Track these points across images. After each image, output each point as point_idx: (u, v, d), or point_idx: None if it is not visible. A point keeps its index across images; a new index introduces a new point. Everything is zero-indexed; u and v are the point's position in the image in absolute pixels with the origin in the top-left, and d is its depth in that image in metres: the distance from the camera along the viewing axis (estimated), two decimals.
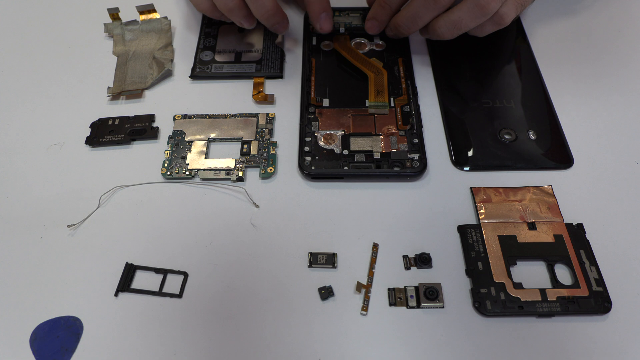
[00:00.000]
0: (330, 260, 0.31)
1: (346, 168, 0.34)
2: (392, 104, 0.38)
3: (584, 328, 0.29)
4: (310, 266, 0.31)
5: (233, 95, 0.40)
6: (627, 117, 0.38)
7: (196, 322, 0.29)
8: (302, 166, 0.35)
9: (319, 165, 0.35)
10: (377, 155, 0.35)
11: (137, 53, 0.43)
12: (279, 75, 0.41)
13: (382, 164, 0.35)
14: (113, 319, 0.30)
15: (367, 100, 0.38)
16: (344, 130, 0.37)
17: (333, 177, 0.35)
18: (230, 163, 0.36)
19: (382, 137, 0.36)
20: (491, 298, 0.29)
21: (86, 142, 0.37)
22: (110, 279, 0.31)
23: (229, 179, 0.35)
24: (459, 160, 0.36)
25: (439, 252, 0.32)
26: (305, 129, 0.37)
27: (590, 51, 0.43)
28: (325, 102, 0.38)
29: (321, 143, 0.36)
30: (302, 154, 0.35)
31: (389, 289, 0.30)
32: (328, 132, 0.36)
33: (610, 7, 0.46)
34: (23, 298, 0.31)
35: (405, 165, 0.34)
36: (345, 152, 0.35)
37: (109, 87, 0.40)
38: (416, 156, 0.35)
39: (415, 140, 0.36)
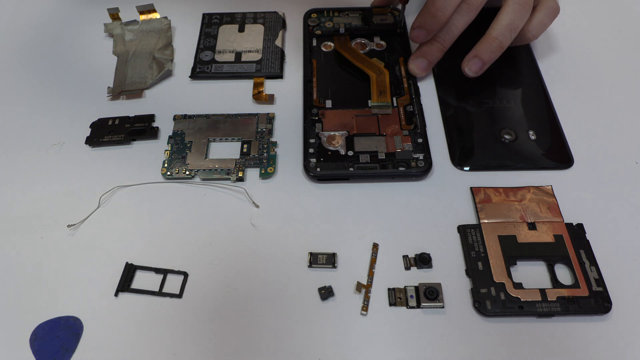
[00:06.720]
0: (330, 260, 0.31)
1: (351, 169, 0.34)
2: (395, 104, 0.38)
3: (584, 328, 0.29)
4: (310, 266, 0.31)
5: (233, 95, 0.40)
6: (627, 117, 0.38)
7: (196, 322, 0.29)
8: (307, 168, 0.35)
9: (325, 167, 0.35)
10: (381, 156, 0.35)
11: (137, 53, 0.43)
12: (279, 75, 0.41)
13: (388, 164, 0.34)
14: (113, 319, 0.30)
15: (369, 101, 0.38)
16: (347, 131, 0.37)
17: (339, 178, 0.35)
18: (230, 163, 0.36)
19: (386, 137, 0.36)
20: (491, 298, 0.29)
21: (86, 142, 0.37)
22: (110, 279, 0.31)
23: (229, 179, 0.35)
24: (459, 161, 0.36)
25: (439, 252, 0.32)
26: (309, 130, 0.37)
27: (590, 51, 0.43)
28: (328, 103, 0.38)
29: (325, 144, 0.36)
30: (307, 156, 0.35)
31: (389, 289, 0.30)
32: (332, 133, 0.36)
33: (610, 6, 0.46)
34: (23, 298, 0.31)
35: (411, 165, 0.34)
36: (350, 153, 0.35)
37: (109, 87, 0.40)
38: (421, 155, 0.35)
39: (420, 140, 0.36)
